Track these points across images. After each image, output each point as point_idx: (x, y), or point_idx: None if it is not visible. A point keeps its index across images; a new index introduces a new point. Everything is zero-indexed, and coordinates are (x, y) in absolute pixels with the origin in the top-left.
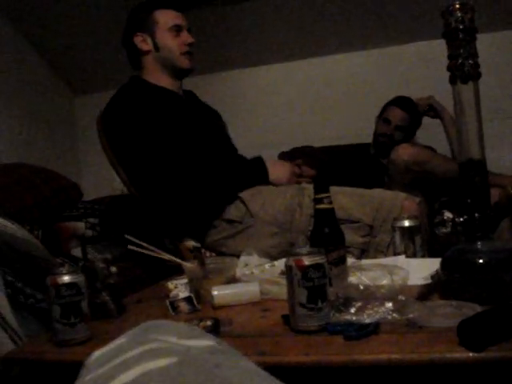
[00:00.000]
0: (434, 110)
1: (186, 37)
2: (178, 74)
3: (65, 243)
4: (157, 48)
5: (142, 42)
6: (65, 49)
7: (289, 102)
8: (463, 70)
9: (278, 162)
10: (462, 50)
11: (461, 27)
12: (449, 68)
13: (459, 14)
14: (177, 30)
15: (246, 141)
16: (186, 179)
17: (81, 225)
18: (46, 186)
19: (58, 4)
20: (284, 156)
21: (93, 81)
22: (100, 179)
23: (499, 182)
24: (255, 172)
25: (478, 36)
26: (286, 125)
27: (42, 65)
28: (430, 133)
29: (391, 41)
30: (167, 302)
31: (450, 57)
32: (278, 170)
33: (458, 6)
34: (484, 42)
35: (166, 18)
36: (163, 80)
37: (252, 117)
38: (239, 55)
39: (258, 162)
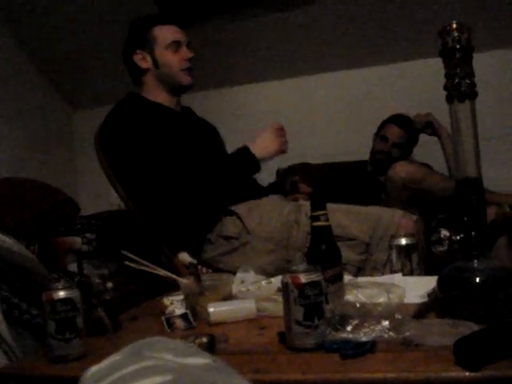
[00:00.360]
0: (431, 127)
1: (185, 52)
2: (178, 90)
3: (61, 258)
4: (156, 65)
5: (142, 60)
6: (64, 63)
7: (286, 118)
8: (460, 89)
9: (258, 139)
10: (458, 70)
11: (458, 47)
12: (445, 87)
13: (456, 34)
14: (176, 45)
15: None
16: (181, 194)
17: (77, 240)
18: (44, 200)
19: (58, 19)
20: (281, 172)
21: (91, 96)
22: (97, 194)
23: (496, 199)
24: (244, 166)
25: (475, 55)
26: None
27: (41, 79)
28: (427, 150)
29: (389, 59)
30: (163, 319)
31: (446, 76)
32: (262, 147)
33: (454, 25)
34: (480, 61)
35: (164, 34)
36: (161, 97)
37: (250, 133)
38: (238, 72)
39: (244, 153)
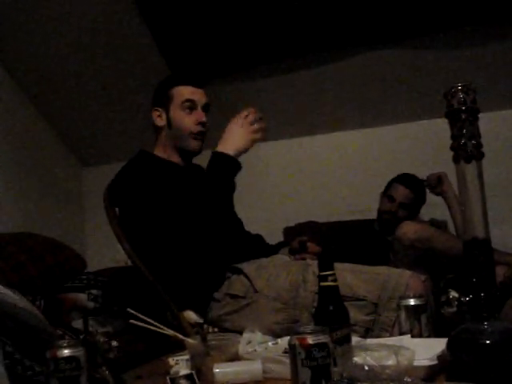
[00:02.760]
0: (440, 183)
1: (199, 114)
2: (185, 154)
3: (66, 314)
4: (170, 125)
5: (158, 118)
6: (74, 121)
7: (294, 177)
8: (466, 150)
9: (226, 135)
10: (464, 131)
11: (463, 108)
12: (452, 148)
13: (461, 96)
14: (190, 106)
15: (251, 215)
16: (188, 252)
17: (83, 296)
18: (51, 256)
19: (69, 77)
20: (288, 231)
21: (101, 152)
22: (104, 250)
23: (504, 259)
24: (225, 172)
25: (481, 115)
26: (291, 200)
27: (51, 135)
28: (435, 210)
29: (396, 119)
30: (168, 379)
31: (452, 137)
32: (233, 143)
33: (460, 87)
34: (486, 120)
35: (180, 93)
36: (172, 155)
37: (257, 191)
38: None
39: (218, 160)
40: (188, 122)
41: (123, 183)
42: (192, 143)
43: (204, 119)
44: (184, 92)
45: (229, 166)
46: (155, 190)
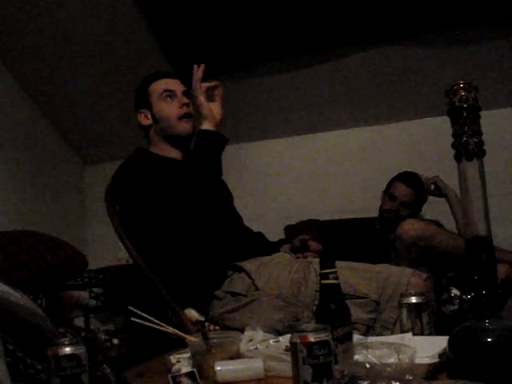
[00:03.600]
0: (438, 190)
1: (180, 99)
2: (179, 142)
3: (67, 312)
4: (155, 120)
5: (144, 118)
6: (76, 119)
7: (295, 175)
8: (468, 147)
9: (204, 113)
10: (466, 128)
11: (465, 106)
12: (453, 145)
13: (463, 93)
14: (169, 94)
15: (252, 214)
16: (186, 247)
17: (85, 294)
18: (52, 254)
19: (71, 78)
20: (290, 229)
21: (103, 151)
22: (106, 248)
23: (506, 257)
24: (213, 147)
25: (482, 113)
26: (292, 198)
27: (53, 134)
28: (436, 208)
29: (397, 117)
30: (169, 377)
31: (454, 135)
32: (213, 118)
33: (461, 85)
34: (488, 119)
35: (157, 87)
36: (167, 150)
37: (258, 190)
38: (247, 128)
39: (205, 138)
40: (171, 108)
41: (123, 180)
42: (180, 126)
43: (186, 101)
44: (160, 84)
45: (217, 143)
46: (154, 187)
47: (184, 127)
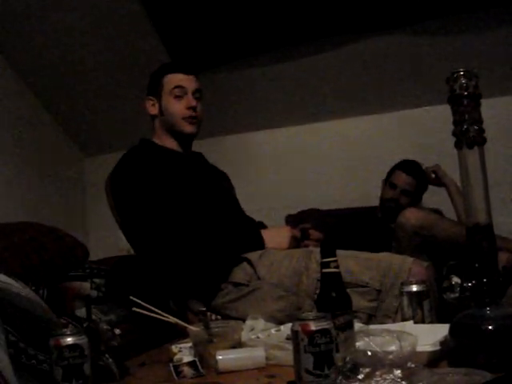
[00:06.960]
0: (438, 177)
1: (188, 100)
2: (181, 138)
3: (69, 303)
4: (161, 112)
5: (152, 107)
6: (76, 111)
7: (296, 165)
8: (468, 135)
9: (273, 230)
10: (466, 116)
11: (465, 93)
12: (454, 133)
13: (463, 81)
14: (179, 92)
15: (254, 204)
16: (190, 240)
17: (86, 285)
18: (54, 245)
19: (71, 69)
20: (291, 219)
21: (103, 142)
22: (107, 239)
23: (507, 245)
24: (251, 242)
25: (483, 101)
26: (293, 188)
27: (53, 126)
28: (437, 196)
29: (398, 105)
30: (171, 366)
31: (455, 122)
32: (275, 239)
33: (462, 73)
34: (489, 107)
35: (170, 81)
36: (170, 142)
37: (259, 180)
38: (245, 119)
39: (255, 234)
40: (178, 107)
41: (124, 171)
42: (185, 126)
43: (193, 104)
44: (174, 79)
45: (255, 243)
46: (156, 178)
47: (188, 128)
